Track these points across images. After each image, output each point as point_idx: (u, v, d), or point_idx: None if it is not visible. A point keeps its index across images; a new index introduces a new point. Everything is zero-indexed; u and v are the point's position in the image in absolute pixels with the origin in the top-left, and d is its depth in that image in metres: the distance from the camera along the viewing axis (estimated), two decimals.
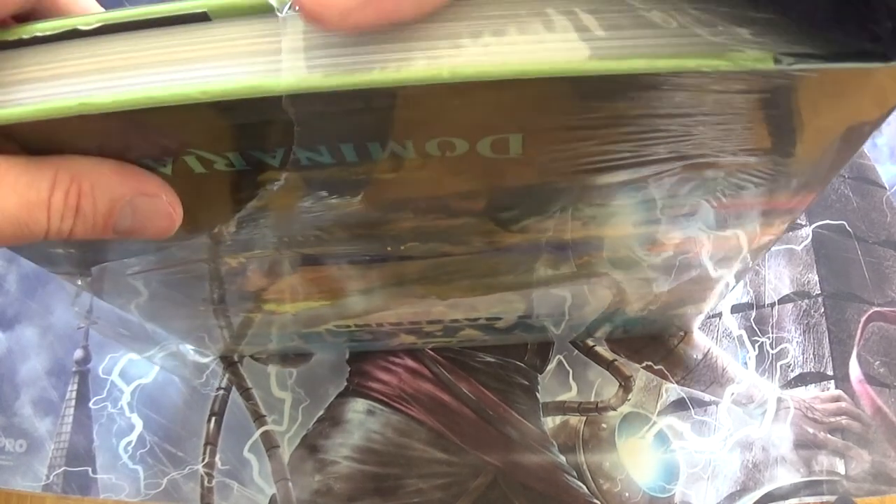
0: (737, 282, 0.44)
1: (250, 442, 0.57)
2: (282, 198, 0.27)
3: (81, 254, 0.32)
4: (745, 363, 0.58)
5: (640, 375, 0.57)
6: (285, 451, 0.56)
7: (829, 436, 0.55)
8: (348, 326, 0.48)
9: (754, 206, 0.30)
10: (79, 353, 0.61)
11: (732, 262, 0.38)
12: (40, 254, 0.32)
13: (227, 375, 0.58)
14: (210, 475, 0.56)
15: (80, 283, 0.36)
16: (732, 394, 0.57)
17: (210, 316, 0.44)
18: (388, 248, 0.33)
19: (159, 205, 0.23)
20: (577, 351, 0.58)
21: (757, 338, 0.58)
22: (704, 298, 0.46)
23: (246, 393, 0.58)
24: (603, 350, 0.58)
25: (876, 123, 0.24)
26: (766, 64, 0.19)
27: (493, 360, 0.58)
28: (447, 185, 0.27)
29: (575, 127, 0.23)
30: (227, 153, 0.23)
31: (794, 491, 0.54)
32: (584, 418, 0.56)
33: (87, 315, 0.56)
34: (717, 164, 0.26)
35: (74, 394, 0.59)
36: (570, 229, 0.32)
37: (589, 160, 0.25)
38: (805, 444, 0.55)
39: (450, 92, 0.20)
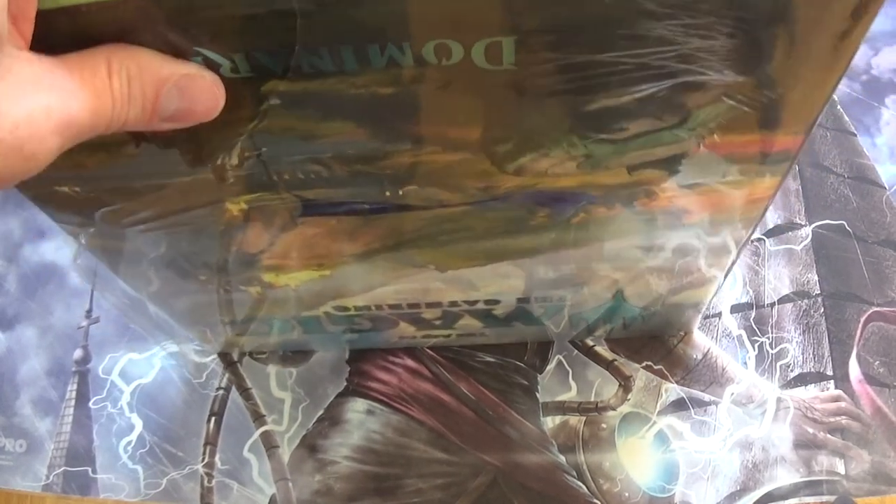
0: (731, 265, 0.43)
1: (250, 442, 0.57)
2: (282, 119, 0.27)
3: (86, 196, 0.32)
4: (745, 363, 0.58)
5: (640, 375, 0.57)
6: (285, 451, 0.56)
7: (828, 436, 0.55)
8: (347, 310, 0.48)
9: (743, 145, 0.30)
10: (78, 353, 0.61)
11: (727, 225, 0.38)
12: (43, 194, 0.32)
13: (226, 375, 0.58)
14: (210, 475, 0.56)
15: (82, 239, 0.36)
16: (732, 394, 0.57)
17: (211, 290, 0.44)
18: (387, 193, 0.33)
19: (203, 83, 0.24)
20: (576, 351, 0.58)
21: (757, 338, 0.58)
22: (702, 283, 0.46)
23: (246, 393, 0.58)
24: (602, 350, 0.58)
25: (854, 34, 0.24)
26: None
27: (492, 359, 0.58)
28: (444, 104, 0.27)
29: (566, 27, 0.23)
30: (232, 54, 0.24)
31: (794, 491, 0.54)
32: (583, 418, 0.56)
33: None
34: (704, 84, 0.26)
35: (74, 394, 0.59)
36: (568, 173, 0.31)
37: (580, 73, 0.25)
38: (805, 444, 0.55)
39: None
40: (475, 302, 0.47)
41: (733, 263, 0.43)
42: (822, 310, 0.59)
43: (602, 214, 0.35)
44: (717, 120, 0.28)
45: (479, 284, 0.44)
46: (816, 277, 0.60)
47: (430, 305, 0.47)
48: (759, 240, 0.61)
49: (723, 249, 0.40)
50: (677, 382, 0.57)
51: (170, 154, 0.28)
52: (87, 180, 0.31)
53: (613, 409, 0.57)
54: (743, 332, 0.58)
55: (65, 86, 0.20)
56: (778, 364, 0.58)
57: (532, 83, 0.26)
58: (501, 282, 0.44)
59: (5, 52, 0.19)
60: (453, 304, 0.47)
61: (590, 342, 0.58)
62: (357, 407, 0.57)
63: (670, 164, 0.31)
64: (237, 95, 0.25)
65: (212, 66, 0.24)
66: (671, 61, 0.25)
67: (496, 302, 0.47)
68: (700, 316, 0.54)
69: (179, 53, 0.23)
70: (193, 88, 0.23)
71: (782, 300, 0.59)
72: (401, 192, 0.33)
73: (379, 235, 0.37)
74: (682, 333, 0.58)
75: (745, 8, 0.22)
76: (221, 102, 0.25)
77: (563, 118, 0.28)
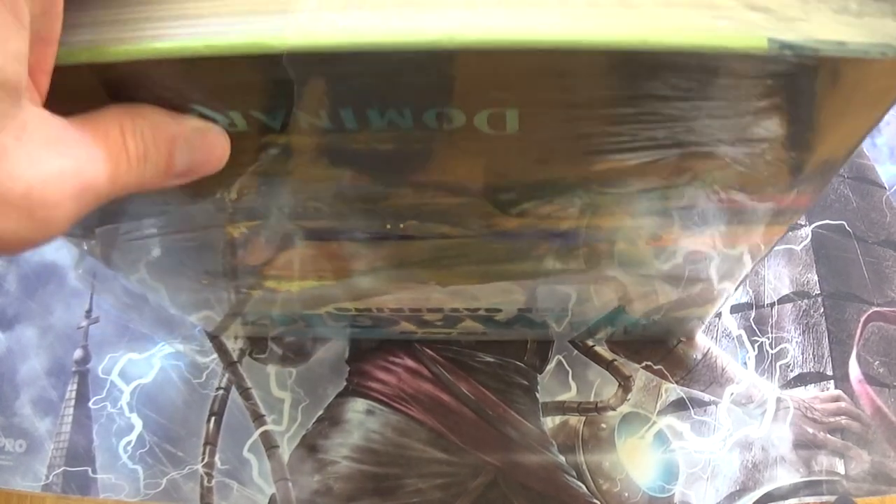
0: (737, 286, 0.44)
1: (250, 442, 0.57)
2: (281, 164, 0.27)
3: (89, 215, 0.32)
4: (745, 363, 0.58)
5: (640, 375, 0.57)
6: (285, 451, 0.56)
7: (828, 436, 0.55)
8: (349, 310, 0.48)
9: (752, 201, 0.30)
10: (78, 353, 0.61)
11: (733, 267, 0.38)
12: None
13: (226, 375, 0.58)
14: (210, 475, 0.56)
15: (85, 246, 0.36)
16: (732, 394, 0.57)
17: (213, 290, 0.44)
18: (388, 227, 0.33)
19: (211, 136, 0.24)
20: (576, 351, 0.58)
21: (756, 338, 0.58)
22: (707, 302, 0.46)
23: (245, 393, 0.58)
24: (602, 350, 0.58)
25: (872, 125, 0.24)
26: (760, 44, 0.19)
27: (492, 359, 0.58)
28: (446, 159, 0.27)
29: (571, 105, 0.23)
30: (229, 112, 0.24)
31: (794, 491, 0.54)
32: (583, 418, 0.56)
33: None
34: (713, 154, 0.26)
35: (74, 394, 0.59)
36: (570, 217, 0.31)
37: (585, 142, 0.25)
38: (805, 444, 0.55)
39: (450, 59, 0.20)
40: (476, 309, 0.47)
41: (741, 284, 0.43)
42: (822, 310, 0.59)
43: (605, 249, 0.36)
44: (726, 181, 0.28)
45: (481, 297, 0.44)
46: (816, 277, 0.60)
47: (431, 310, 0.47)
48: None
49: (727, 274, 0.41)
50: (677, 382, 0.57)
51: (168, 189, 0.28)
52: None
53: (613, 409, 0.57)
54: (743, 332, 0.58)
55: (81, 148, 0.20)
56: (778, 364, 0.58)
57: (536, 148, 0.25)
58: (503, 296, 0.44)
59: (22, 107, 0.18)
60: (455, 310, 0.47)
61: (590, 342, 0.58)
62: (357, 407, 0.57)
63: (677, 213, 0.31)
64: (235, 146, 0.25)
65: (207, 121, 0.24)
66: (681, 134, 0.24)
67: (498, 310, 0.47)
68: (703, 325, 0.54)
69: (178, 109, 0.23)
70: (203, 142, 0.23)
71: (782, 300, 0.59)
72: (402, 226, 0.33)
73: (380, 258, 0.37)
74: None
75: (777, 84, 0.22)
76: (228, 152, 0.25)
77: (567, 176, 0.28)
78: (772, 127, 0.24)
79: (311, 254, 0.37)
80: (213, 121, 0.24)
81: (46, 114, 0.19)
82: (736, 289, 0.45)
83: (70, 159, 0.19)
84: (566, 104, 0.23)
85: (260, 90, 0.23)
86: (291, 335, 0.57)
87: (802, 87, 0.21)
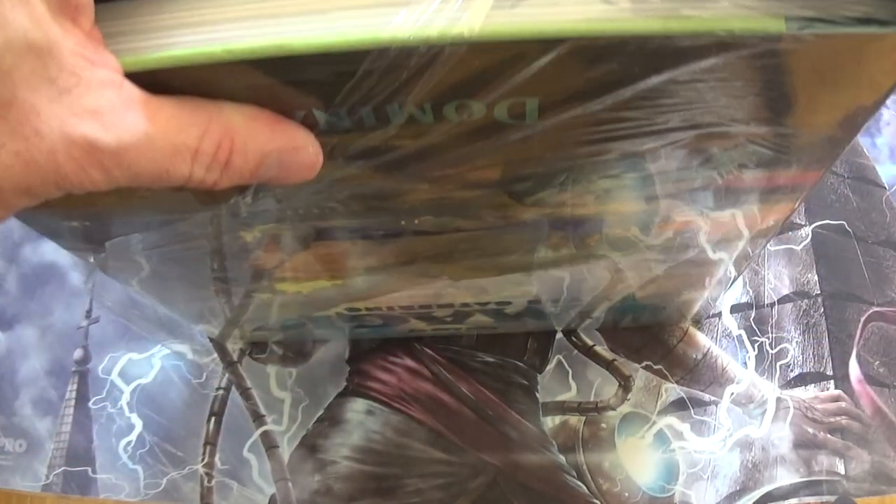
0: (737, 271, 0.44)
1: (250, 442, 0.57)
2: None
3: (96, 228, 0.32)
4: (745, 363, 0.58)
5: (640, 375, 0.57)
6: (285, 451, 0.56)
7: (828, 436, 0.55)
8: (359, 310, 0.48)
9: (760, 181, 0.30)
10: (78, 353, 0.61)
11: (733, 245, 0.38)
12: (52, 228, 0.32)
13: (226, 375, 0.58)
14: (210, 475, 0.56)
15: (92, 259, 0.36)
16: (732, 394, 0.57)
17: (221, 297, 0.44)
18: (402, 222, 0.33)
19: (305, 157, 0.23)
20: (576, 351, 0.58)
21: (756, 338, 0.58)
22: (707, 284, 0.46)
23: (245, 393, 0.58)
24: (602, 350, 0.58)
25: (872, 108, 0.24)
26: (778, 26, 0.19)
27: (492, 359, 0.58)
28: (463, 152, 0.27)
29: (589, 92, 0.23)
30: None
31: (794, 491, 0.54)
32: (583, 418, 0.56)
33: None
34: (728, 134, 0.26)
35: (74, 394, 0.59)
36: (586, 204, 0.32)
37: (603, 128, 0.25)
38: (805, 444, 0.55)
39: (471, 52, 0.20)
40: (487, 303, 0.47)
41: (734, 280, 0.43)
42: (822, 310, 0.59)
43: (618, 235, 0.36)
44: (740, 160, 0.28)
45: (492, 290, 0.44)
46: (816, 277, 0.60)
47: (441, 306, 0.47)
48: None
49: (726, 264, 0.41)
50: (677, 382, 0.57)
51: (183, 195, 0.28)
52: (98, 217, 0.31)
53: (613, 408, 0.57)
54: (743, 332, 0.58)
55: (139, 125, 0.19)
56: (778, 364, 0.58)
57: (555, 136, 0.26)
58: (514, 288, 0.44)
59: (66, 62, 0.18)
60: (465, 304, 0.47)
61: (589, 342, 0.58)
62: (357, 407, 0.57)
63: (689, 196, 0.32)
64: None
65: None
66: (697, 116, 0.25)
67: (508, 303, 0.47)
68: (703, 300, 0.54)
69: (286, 109, 0.22)
70: (294, 162, 0.22)
71: (782, 300, 0.59)
72: (417, 222, 0.33)
73: (393, 254, 0.37)
74: (682, 333, 0.58)
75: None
76: (317, 171, 0.23)
77: (584, 163, 0.28)
78: (779, 104, 0.24)
79: (324, 254, 0.37)
80: None
81: (109, 75, 0.19)
82: (734, 280, 0.45)
83: (111, 129, 0.18)
84: (585, 92, 0.23)
85: (280, 91, 0.23)
86: (294, 337, 0.57)
87: (787, 64, 0.22)
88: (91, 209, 0.30)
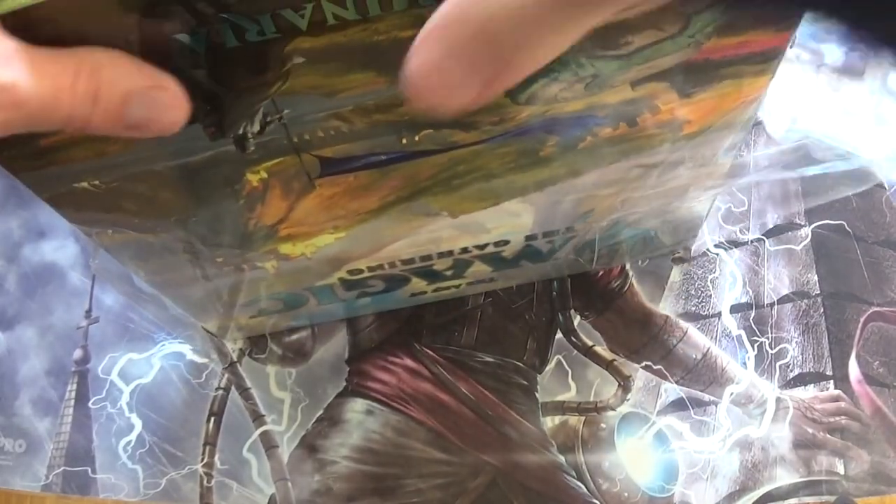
0: (725, 176, 0.44)
1: (249, 442, 0.57)
2: (305, 77, 0.28)
3: (107, 185, 0.32)
4: (745, 363, 0.58)
5: (640, 375, 0.57)
6: (284, 451, 0.56)
7: (828, 436, 0.55)
8: (361, 272, 0.48)
9: (737, 46, 0.31)
10: (78, 353, 0.61)
11: (724, 130, 0.39)
12: (66, 193, 0.32)
13: (226, 375, 0.58)
14: (209, 475, 0.56)
15: (96, 238, 0.37)
16: (731, 394, 0.57)
17: (227, 272, 0.44)
18: (404, 141, 0.34)
19: (170, 97, 0.24)
20: (576, 351, 0.58)
21: (756, 338, 0.58)
22: (697, 188, 0.46)
23: (245, 393, 0.58)
24: (602, 350, 0.58)
25: None
26: None
27: (492, 359, 0.58)
28: None
29: None
30: (258, 16, 0.25)
31: (794, 491, 0.54)
32: (583, 418, 0.56)
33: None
34: None
35: (74, 394, 0.59)
36: (576, 96, 0.32)
37: None
38: (804, 444, 0.55)
39: None
40: (485, 246, 0.47)
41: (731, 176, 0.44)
42: (822, 310, 0.59)
43: (608, 136, 0.36)
44: (713, 24, 0.29)
45: (490, 226, 0.44)
46: (816, 277, 0.60)
47: (441, 255, 0.48)
48: (758, 240, 0.61)
49: (725, 150, 0.41)
50: (677, 382, 0.57)
51: (192, 130, 0.28)
52: (109, 169, 0.31)
53: (613, 409, 0.57)
54: (742, 333, 0.58)
55: (22, 70, 0.21)
56: (777, 364, 0.58)
57: None
58: (511, 221, 0.44)
59: None
60: (464, 250, 0.48)
61: (589, 342, 0.58)
62: (356, 407, 0.57)
63: (672, 75, 0.33)
64: (261, 59, 0.26)
65: (238, 31, 0.25)
66: None
67: (505, 243, 0.47)
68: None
69: (157, 47, 0.24)
70: (161, 102, 0.24)
71: (782, 300, 0.59)
72: (417, 139, 0.34)
73: (395, 187, 0.38)
74: (682, 333, 0.58)
75: None
76: (184, 118, 0.25)
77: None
78: None
79: (328, 195, 0.37)
80: (244, 29, 0.25)
81: None
82: (722, 189, 0.46)
83: (8, 72, 0.21)
84: None
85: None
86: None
87: None
88: (102, 159, 0.30)
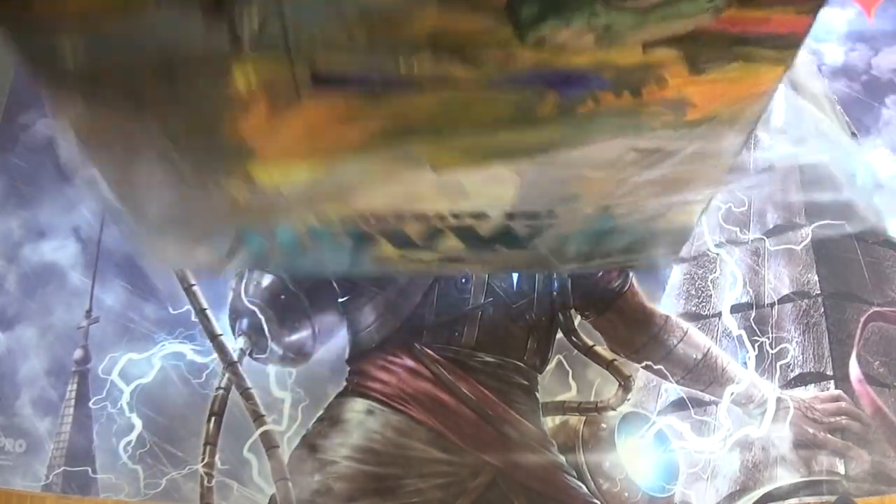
0: (735, 153, 0.43)
1: (250, 442, 0.57)
2: None
3: (90, 66, 0.32)
4: (745, 363, 0.58)
5: (640, 375, 0.57)
6: (285, 451, 0.56)
7: (828, 436, 0.55)
8: (332, 223, 0.47)
9: (756, 23, 0.31)
10: (78, 353, 0.61)
11: (727, 125, 0.38)
12: (48, 52, 0.32)
13: (226, 375, 0.58)
14: (210, 475, 0.56)
15: (73, 132, 0.36)
16: (732, 394, 0.57)
17: (202, 186, 0.43)
18: (401, 65, 0.33)
19: None
20: (576, 351, 0.58)
21: (756, 338, 0.58)
22: (693, 186, 0.46)
23: (245, 393, 0.58)
24: (602, 350, 0.58)
25: None
26: None
27: (492, 359, 0.58)
28: None
29: None
30: None
31: (794, 491, 0.54)
32: (583, 418, 0.56)
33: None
34: None
35: (74, 394, 0.60)
36: (586, 48, 0.32)
37: None
38: (805, 444, 0.55)
39: None
40: (461, 215, 0.47)
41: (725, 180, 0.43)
42: (822, 310, 0.59)
43: (609, 103, 0.36)
44: None
45: (470, 191, 0.44)
46: (816, 277, 0.60)
47: (416, 218, 0.47)
48: (759, 240, 0.61)
49: (724, 152, 0.41)
50: (677, 382, 0.57)
51: (188, 7, 0.28)
52: (100, 47, 0.31)
53: (613, 409, 0.57)
54: (743, 332, 0.59)
55: None
56: (778, 364, 0.58)
57: None
58: (493, 188, 0.44)
59: None
60: (440, 217, 0.47)
61: (589, 342, 0.58)
62: (357, 407, 0.57)
63: (685, 43, 0.32)
64: None
65: None
66: None
67: (483, 215, 0.47)
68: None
69: None
70: None
71: (782, 300, 0.59)
72: (415, 63, 0.33)
73: (383, 123, 0.37)
74: (683, 333, 0.58)
75: None
76: None
77: None
78: None
79: (313, 118, 0.36)
80: None
81: None
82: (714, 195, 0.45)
83: None
84: None
85: None
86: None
87: None
88: (96, 33, 0.30)
